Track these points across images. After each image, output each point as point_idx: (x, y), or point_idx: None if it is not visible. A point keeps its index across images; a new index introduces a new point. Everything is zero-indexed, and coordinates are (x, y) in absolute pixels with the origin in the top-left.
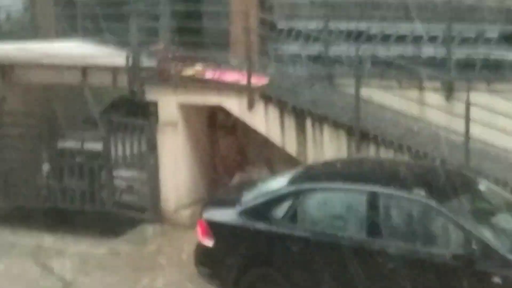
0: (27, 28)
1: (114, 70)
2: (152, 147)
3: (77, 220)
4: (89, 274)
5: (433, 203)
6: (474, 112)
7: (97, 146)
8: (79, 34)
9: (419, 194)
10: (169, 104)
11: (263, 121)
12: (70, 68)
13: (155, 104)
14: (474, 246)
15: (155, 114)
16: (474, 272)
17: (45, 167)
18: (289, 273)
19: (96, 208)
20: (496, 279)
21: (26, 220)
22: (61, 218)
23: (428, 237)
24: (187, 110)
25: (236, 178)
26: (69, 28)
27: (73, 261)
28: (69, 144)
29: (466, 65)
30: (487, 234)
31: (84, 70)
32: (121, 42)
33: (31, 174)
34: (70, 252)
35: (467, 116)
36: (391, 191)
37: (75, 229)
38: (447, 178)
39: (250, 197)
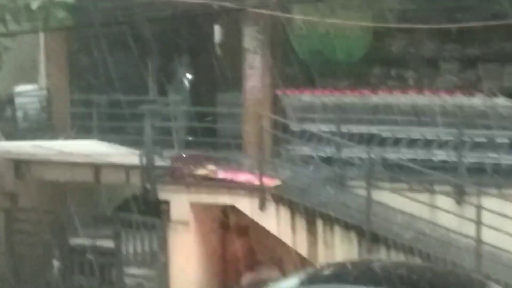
0: (44, 126)
1: (127, 169)
2: (163, 245)
3: None
4: None
5: None
6: (485, 216)
7: (109, 243)
8: (94, 133)
9: None
10: (181, 203)
11: (275, 221)
12: (83, 165)
13: (167, 203)
14: None
15: (167, 212)
16: None
17: (56, 263)
18: None
19: None
20: None
21: None
22: None
23: None
24: (199, 209)
25: (247, 278)
26: (84, 127)
27: None
28: (81, 241)
29: (477, 170)
30: None
31: (98, 168)
32: (135, 141)
33: (42, 270)
34: None
35: (478, 220)
36: None
37: None
38: (458, 282)
39: None
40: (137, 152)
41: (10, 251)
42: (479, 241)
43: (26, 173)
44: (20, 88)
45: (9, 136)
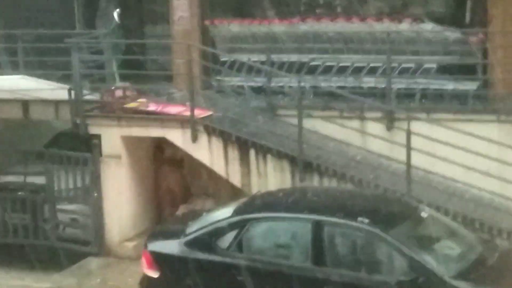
0: None
1: (57, 104)
2: (95, 180)
3: (20, 254)
4: None
5: (377, 230)
6: (415, 141)
7: (40, 180)
8: (20, 69)
9: (363, 222)
10: (112, 137)
11: (207, 153)
12: (11, 102)
13: (98, 137)
14: (418, 273)
15: (98, 147)
16: None
17: None
18: None
19: (40, 242)
20: None
21: None
22: (4, 253)
23: (372, 265)
24: (131, 143)
25: (181, 210)
26: (10, 63)
27: None
28: (12, 178)
29: (406, 96)
30: (430, 261)
31: (26, 104)
32: (64, 76)
33: None
34: (14, 287)
35: (408, 145)
36: (335, 219)
37: (19, 263)
38: (390, 206)
39: (194, 228)
40: (66, 86)
41: None
42: (409, 165)
43: None
44: None
45: None
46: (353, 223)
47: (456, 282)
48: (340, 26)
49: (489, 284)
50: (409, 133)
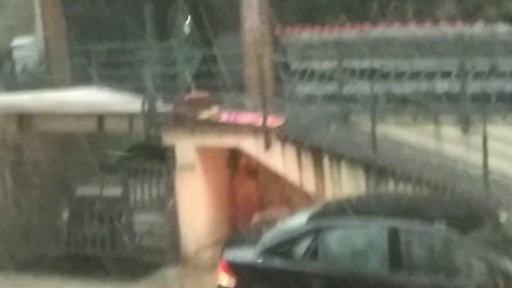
0: (43, 78)
1: (131, 116)
2: (170, 190)
3: (98, 266)
4: None
5: (454, 236)
6: (492, 144)
7: (116, 191)
8: (94, 83)
9: (440, 227)
10: (186, 148)
11: (280, 160)
12: (86, 115)
13: (172, 148)
14: (497, 278)
15: (172, 158)
16: None
17: (65, 214)
18: None
19: (117, 253)
20: None
21: (48, 268)
22: (82, 265)
23: (450, 271)
24: (205, 153)
25: (256, 218)
26: (84, 77)
27: None
28: (88, 191)
29: (481, 99)
30: (510, 266)
31: (100, 117)
32: (137, 88)
33: (51, 222)
34: None
35: (484, 148)
36: (411, 225)
37: (97, 274)
38: (468, 211)
39: (270, 236)
40: (139, 99)
41: (18, 204)
42: (486, 169)
43: (29, 126)
44: (18, 41)
45: (9, 90)
46: (430, 229)
47: None
48: (411, 30)
49: None
50: (485, 136)
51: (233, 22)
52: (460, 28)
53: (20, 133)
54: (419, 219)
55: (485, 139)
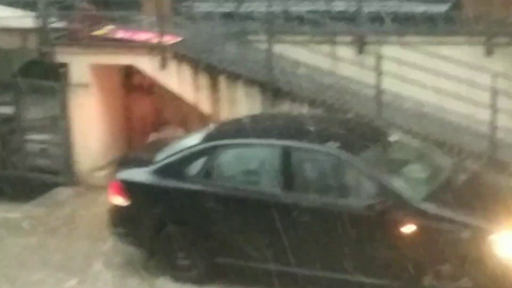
0: None
1: (23, 32)
2: (64, 109)
3: None
4: (3, 238)
5: (345, 155)
6: (386, 65)
7: (8, 110)
8: None
9: (332, 147)
10: (80, 65)
11: (176, 80)
12: None
13: (66, 66)
14: (386, 197)
15: (66, 76)
16: (386, 222)
17: None
18: (205, 229)
19: (9, 173)
20: (408, 228)
21: None
22: None
23: (341, 189)
24: (100, 71)
25: (151, 138)
26: None
27: None
28: None
29: (377, 19)
30: (398, 184)
31: None
32: (30, 4)
33: None
34: None
35: (378, 69)
36: (304, 145)
37: None
38: (359, 131)
39: (164, 156)
40: (32, 14)
41: None
42: (379, 89)
43: None
44: None
45: None
46: (322, 148)
47: (423, 205)
48: None
49: (457, 206)
50: (379, 57)
51: None
52: None
53: None
54: (312, 139)
55: (379, 59)
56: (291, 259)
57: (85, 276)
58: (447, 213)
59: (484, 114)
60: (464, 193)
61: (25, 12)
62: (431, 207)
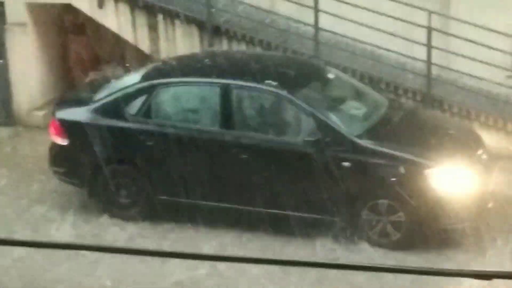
0: None
1: None
2: (1, 49)
3: None
4: None
5: (284, 92)
6: (324, 3)
7: None
8: None
9: (271, 84)
10: (16, 4)
11: (115, 18)
12: None
13: (1, 4)
14: (324, 132)
15: (2, 14)
16: (325, 157)
17: None
18: (145, 167)
19: None
20: (346, 163)
21: None
22: None
23: (280, 127)
24: (37, 10)
25: (90, 77)
26: None
27: None
28: None
29: None
30: (336, 121)
31: None
32: None
33: None
34: None
35: (316, 6)
36: (243, 82)
37: None
38: (298, 69)
39: (103, 95)
40: None
41: None
42: (317, 27)
43: None
44: None
45: None
46: (261, 86)
47: (361, 141)
48: None
49: (394, 141)
50: None
51: None
52: None
53: None
54: (251, 77)
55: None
56: (232, 196)
57: (26, 216)
58: (384, 148)
59: (419, 52)
60: (401, 129)
61: None
62: (368, 143)
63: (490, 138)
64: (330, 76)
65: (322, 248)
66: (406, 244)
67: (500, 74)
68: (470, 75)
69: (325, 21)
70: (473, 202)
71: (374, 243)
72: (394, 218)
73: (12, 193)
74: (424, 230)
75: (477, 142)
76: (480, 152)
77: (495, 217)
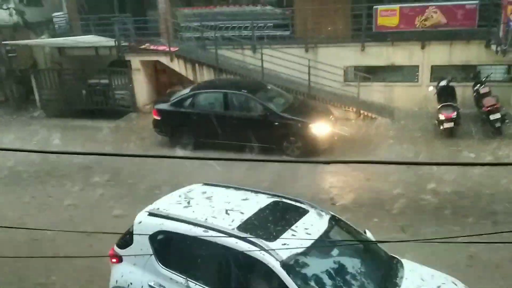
0: (68, 32)
1: (110, 47)
2: (130, 80)
3: (99, 113)
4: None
5: (250, 95)
6: (265, 57)
7: (105, 81)
8: (92, 32)
9: (244, 91)
10: (135, 61)
11: (177, 65)
12: (90, 47)
13: (129, 61)
14: (267, 111)
15: (130, 65)
16: (267, 121)
17: (83, 92)
18: (194, 129)
19: (109, 107)
20: (276, 123)
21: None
22: (89, 113)
23: (248, 108)
24: (144, 63)
25: (169, 91)
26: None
27: (94, 131)
28: (93, 80)
29: (261, 38)
30: (272, 106)
31: (96, 48)
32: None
33: (77, 95)
34: (92, 126)
35: (262, 60)
36: (233, 91)
37: (98, 117)
38: (254, 85)
39: (174, 98)
40: (112, 39)
41: (61, 88)
42: (263, 68)
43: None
44: (55, 14)
45: (53, 37)
46: (240, 92)
47: (282, 114)
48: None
49: (297, 113)
50: (262, 53)
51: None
52: (250, 8)
53: (60, 56)
54: (236, 89)
55: (261, 55)
56: (229, 137)
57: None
58: (292, 116)
59: (306, 78)
60: (299, 108)
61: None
62: (285, 114)
63: (336, 111)
64: (268, 87)
65: (269, 155)
66: (302, 155)
67: (339, 84)
68: (327, 85)
69: (266, 65)
70: (328, 138)
71: (288, 155)
72: (296, 145)
73: (139, 140)
74: (309, 149)
75: (329, 113)
76: (331, 117)
77: (337, 142)
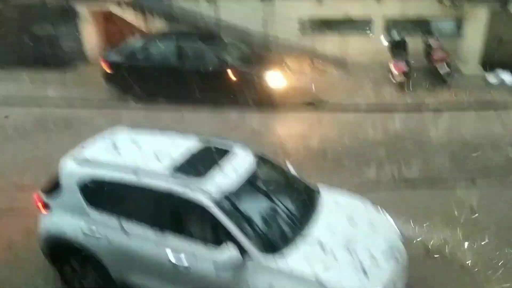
0: None
1: None
2: (78, 30)
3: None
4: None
5: (206, 47)
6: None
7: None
8: None
9: (199, 43)
10: (84, 10)
11: (130, 16)
12: None
13: (77, 11)
14: (221, 64)
15: (79, 16)
16: (222, 73)
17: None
18: (147, 82)
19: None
20: (232, 76)
21: None
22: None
23: (202, 58)
24: (94, 13)
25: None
26: None
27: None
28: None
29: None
30: (227, 57)
31: None
32: None
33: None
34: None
35: (216, 4)
36: (187, 42)
37: (45, 68)
38: (209, 36)
39: (126, 49)
40: None
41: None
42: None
43: None
44: None
45: None
46: (195, 44)
47: (239, 65)
48: None
49: (255, 65)
50: (216, 5)
51: None
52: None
53: None
54: (191, 41)
55: (216, 7)
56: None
57: None
58: (248, 68)
59: (262, 30)
60: (255, 60)
61: None
62: (241, 66)
63: (291, 63)
64: (224, 39)
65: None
66: (257, 106)
67: (295, 36)
68: (283, 37)
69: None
70: (281, 85)
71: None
72: (249, 96)
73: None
74: (265, 95)
75: (283, 63)
76: (285, 69)
77: (291, 89)
